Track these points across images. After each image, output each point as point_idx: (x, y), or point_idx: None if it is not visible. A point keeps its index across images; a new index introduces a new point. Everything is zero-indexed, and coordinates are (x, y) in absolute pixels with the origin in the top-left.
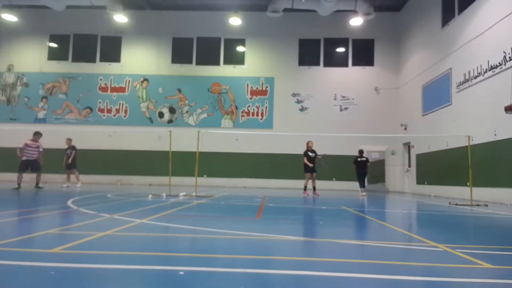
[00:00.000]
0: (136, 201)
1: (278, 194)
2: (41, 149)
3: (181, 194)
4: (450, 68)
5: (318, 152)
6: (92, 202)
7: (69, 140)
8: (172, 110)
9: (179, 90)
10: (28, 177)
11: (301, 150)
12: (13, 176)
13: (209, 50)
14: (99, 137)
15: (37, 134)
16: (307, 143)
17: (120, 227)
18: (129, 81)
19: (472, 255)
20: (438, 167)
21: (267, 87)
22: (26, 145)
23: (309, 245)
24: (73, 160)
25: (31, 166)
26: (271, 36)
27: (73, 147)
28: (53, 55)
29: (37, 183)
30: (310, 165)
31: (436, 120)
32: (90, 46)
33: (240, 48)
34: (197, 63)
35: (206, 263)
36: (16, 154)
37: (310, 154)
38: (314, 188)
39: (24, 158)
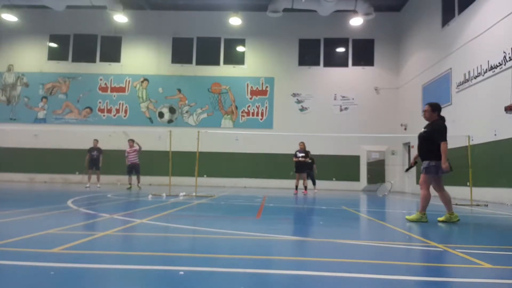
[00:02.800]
0: (136, 201)
1: (278, 194)
2: (137, 149)
3: (181, 194)
4: (450, 68)
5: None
6: (92, 202)
7: (96, 141)
8: (172, 110)
9: (179, 90)
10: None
11: None
12: (14, 176)
13: (209, 50)
14: (99, 137)
15: (130, 140)
16: (299, 144)
17: (120, 227)
18: (129, 81)
19: (472, 255)
20: None
21: (267, 87)
22: (128, 152)
23: (309, 245)
24: (99, 162)
25: (134, 169)
26: (271, 36)
27: (99, 149)
28: (53, 55)
29: (138, 183)
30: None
31: None
32: (90, 46)
33: (240, 48)
34: (197, 63)
35: (206, 263)
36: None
37: (298, 154)
38: (305, 187)
39: (128, 163)
